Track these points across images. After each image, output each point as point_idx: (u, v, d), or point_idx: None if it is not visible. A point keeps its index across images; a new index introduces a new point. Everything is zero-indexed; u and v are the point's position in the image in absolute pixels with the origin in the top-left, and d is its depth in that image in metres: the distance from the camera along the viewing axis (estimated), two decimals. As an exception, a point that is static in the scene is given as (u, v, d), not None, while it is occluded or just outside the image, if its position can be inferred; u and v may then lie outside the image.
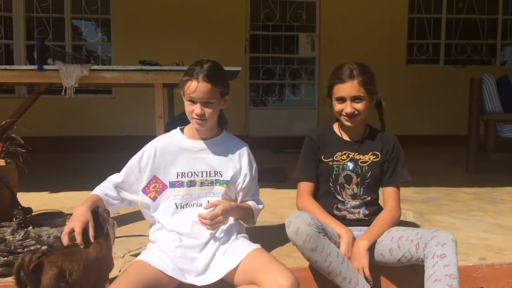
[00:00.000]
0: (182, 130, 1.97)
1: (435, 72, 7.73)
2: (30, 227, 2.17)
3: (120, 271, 1.89)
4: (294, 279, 1.60)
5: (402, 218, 2.81)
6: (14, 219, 2.19)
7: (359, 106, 1.98)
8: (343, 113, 1.99)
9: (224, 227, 1.87)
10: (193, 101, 1.81)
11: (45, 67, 3.00)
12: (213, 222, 1.76)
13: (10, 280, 1.80)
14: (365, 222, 2.06)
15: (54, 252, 1.55)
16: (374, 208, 2.08)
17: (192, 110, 1.81)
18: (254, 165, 2.01)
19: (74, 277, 1.50)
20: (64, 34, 7.11)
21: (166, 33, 6.95)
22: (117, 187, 1.90)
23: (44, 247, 1.96)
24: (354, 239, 1.92)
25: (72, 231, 1.63)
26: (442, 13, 7.77)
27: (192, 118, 1.83)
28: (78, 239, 1.61)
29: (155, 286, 1.63)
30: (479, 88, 4.64)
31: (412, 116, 7.51)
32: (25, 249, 1.88)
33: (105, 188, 1.88)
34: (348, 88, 1.95)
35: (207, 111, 1.80)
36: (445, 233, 1.76)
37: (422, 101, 7.56)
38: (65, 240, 1.62)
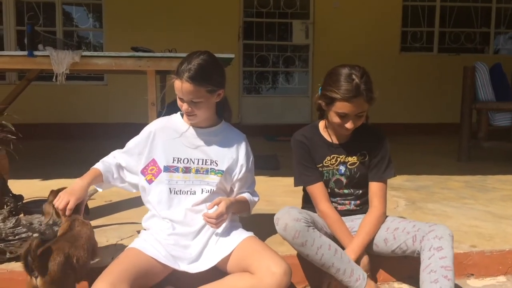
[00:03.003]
0: (182, 115, 1.96)
1: (429, 60, 7.74)
2: (21, 215, 2.16)
3: (112, 258, 1.88)
4: (287, 266, 1.61)
5: (394, 206, 2.83)
6: (5, 206, 2.17)
7: (361, 120, 1.88)
8: (344, 127, 1.86)
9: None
10: (181, 99, 1.80)
11: (36, 53, 2.96)
12: (218, 221, 1.75)
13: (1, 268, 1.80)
14: (357, 211, 2.05)
15: (59, 239, 1.59)
16: (365, 198, 2.04)
17: (181, 105, 1.81)
18: (251, 157, 1.99)
19: (80, 262, 1.56)
20: (55, 20, 7.02)
21: (159, 19, 6.88)
22: (119, 167, 1.94)
23: (35, 235, 1.95)
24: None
25: (66, 204, 1.70)
26: (436, 0, 7.75)
27: (183, 113, 1.84)
28: (68, 213, 1.70)
29: (148, 273, 1.63)
30: (472, 76, 4.65)
31: (406, 104, 7.53)
32: (16, 237, 1.87)
33: (109, 165, 1.92)
34: (353, 107, 1.79)
35: (195, 108, 1.79)
36: (443, 227, 1.76)
37: (416, 89, 7.58)
38: (47, 210, 1.75)
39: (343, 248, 1.85)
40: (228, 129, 1.98)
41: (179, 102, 1.81)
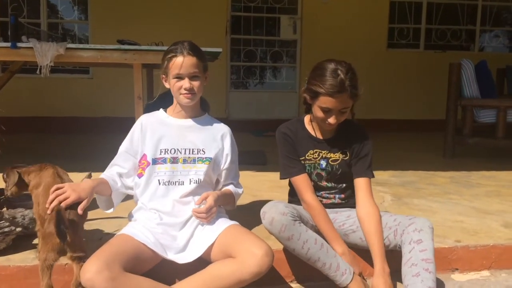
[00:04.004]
0: (165, 111, 2.00)
1: (415, 57, 7.79)
2: (4, 209, 2.12)
3: (97, 253, 1.86)
4: (268, 248, 1.63)
5: (380, 201, 2.85)
6: (-12, 200, 2.14)
7: (344, 116, 1.89)
8: (327, 122, 1.87)
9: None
10: (180, 77, 1.82)
11: (19, 44, 2.91)
12: (208, 215, 1.79)
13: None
14: (342, 205, 2.06)
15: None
16: (349, 192, 2.05)
17: (180, 86, 1.83)
18: (236, 148, 2.03)
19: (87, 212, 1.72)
20: (39, 12, 6.90)
21: (146, 12, 6.81)
22: (120, 176, 1.92)
23: (18, 229, 1.92)
24: (351, 257, 1.87)
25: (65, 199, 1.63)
26: (423, -3, 7.81)
27: (181, 94, 1.85)
28: (64, 205, 1.61)
29: (138, 258, 1.64)
30: (458, 73, 4.69)
31: (392, 100, 7.57)
32: (-1, 231, 1.84)
33: (112, 175, 1.91)
34: (337, 102, 1.79)
35: (195, 84, 1.84)
36: (422, 219, 1.78)
37: (402, 86, 7.63)
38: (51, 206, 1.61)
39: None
40: (213, 121, 2.03)
41: (177, 85, 1.83)
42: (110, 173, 1.92)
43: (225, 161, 1.96)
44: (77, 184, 1.71)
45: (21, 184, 1.83)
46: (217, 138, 1.96)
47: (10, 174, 1.84)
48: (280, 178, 2.04)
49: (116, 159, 1.94)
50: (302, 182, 1.97)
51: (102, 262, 1.48)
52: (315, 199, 1.95)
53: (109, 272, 1.47)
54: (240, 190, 2.06)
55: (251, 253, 1.60)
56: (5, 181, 1.87)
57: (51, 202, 1.62)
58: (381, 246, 1.80)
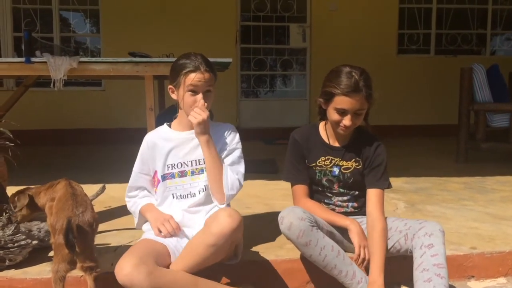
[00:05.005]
0: (169, 126, 2.01)
1: (426, 62, 7.75)
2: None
3: (112, 264, 1.87)
4: (232, 211, 1.68)
5: (393, 208, 2.83)
6: (4, 213, 2.16)
7: (359, 119, 1.90)
8: (341, 124, 1.88)
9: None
10: (195, 92, 1.83)
11: (33, 59, 2.96)
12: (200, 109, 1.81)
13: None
14: (354, 213, 2.04)
15: (84, 210, 1.63)
16: (363, 200, 2.03)
17: (194, 100, 1.83)
18: (237, 140, 1.97)
19: (98, 221, 1.68)
20: (52, 26, 7.02)
21: (156, 24, 6.88)
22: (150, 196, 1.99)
23: (34, 242, 1.95)
24: (361, 227, 1.89)
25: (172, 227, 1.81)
26: (432, 2, 7.77)
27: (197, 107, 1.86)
28: (178, 230, 1.82)
29: (165, 257, 1.70)
30: (470, 78, 4.66)
31: (403, 106, 7.52)
32: (16, 244, 1.87)
33: (150, 198, 1.98)
34: (353, 102, 1.82)
35: (209, 99, 1.86)
36: (433, 223, 1.77)
37: (413, 91, 7.58)
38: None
39: (345, 250, 1.86)
40: (216, 126, 1.99)
41: (191, 99, 1.82)
42: (145, 195, 1.97)
43: (226, 149, 1.94)
44: (157, 217, 1.85)
45: (33, 207, 1.85)
46: (221, 139, 1.94)
47: (21, 197, 1.86)
48: (282, 179, 2.10)
49: (139, 181, 1.97)
50: (300, 192, 2.02)
51: (137, 258, 1.53)
52: (307, 201, 1.99)
53: (146, 266, 1.52)
54: (234, 175, 1.88)
55: (215, 218, 1.66)
56: (15, 207, 1.87)
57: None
58: (379, 258, 1.78)
